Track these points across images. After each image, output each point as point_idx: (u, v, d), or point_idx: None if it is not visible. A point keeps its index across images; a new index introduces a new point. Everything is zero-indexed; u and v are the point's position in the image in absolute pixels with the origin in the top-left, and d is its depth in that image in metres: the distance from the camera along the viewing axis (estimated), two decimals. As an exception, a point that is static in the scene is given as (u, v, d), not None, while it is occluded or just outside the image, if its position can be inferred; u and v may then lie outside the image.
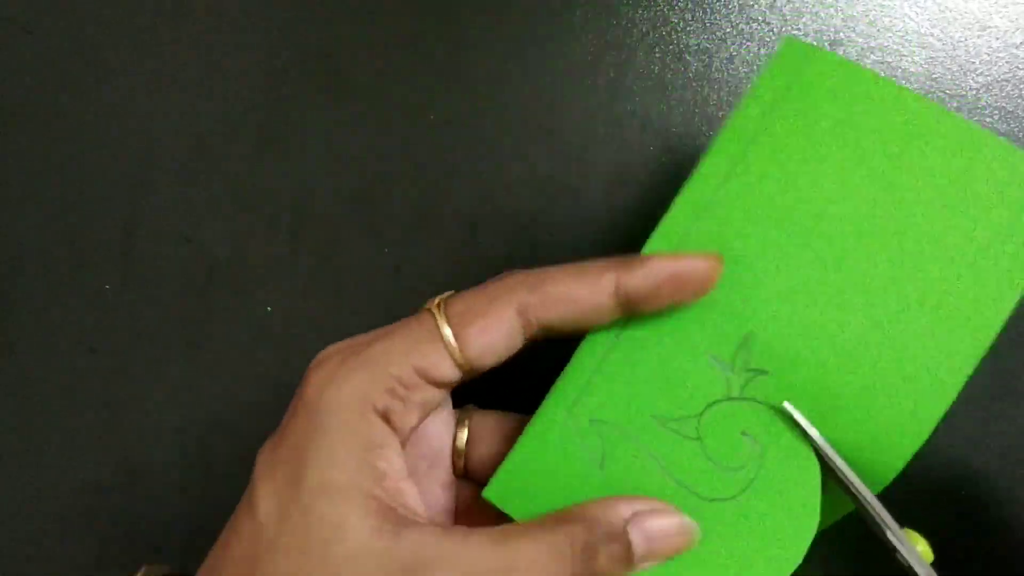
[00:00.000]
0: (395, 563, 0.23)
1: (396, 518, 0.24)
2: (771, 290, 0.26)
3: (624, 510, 0.25)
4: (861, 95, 0.26)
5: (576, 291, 0.26)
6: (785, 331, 0.26)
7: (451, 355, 0.25)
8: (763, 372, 0.26)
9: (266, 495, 0.25)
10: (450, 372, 0.26)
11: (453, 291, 0.27)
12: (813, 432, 0.25)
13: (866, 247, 0.26)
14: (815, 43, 0.36)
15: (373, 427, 0.25)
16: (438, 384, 0.26)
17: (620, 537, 0.24)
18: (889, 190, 0.26)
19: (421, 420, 0.27)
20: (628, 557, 0.24)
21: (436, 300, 0.26)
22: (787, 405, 0.26)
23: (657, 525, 0.25)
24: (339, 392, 0.25)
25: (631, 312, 0.26)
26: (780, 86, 0.27)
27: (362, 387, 0.25)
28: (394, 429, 0.26)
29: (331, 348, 0.26)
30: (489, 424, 0.30)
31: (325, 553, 0.23)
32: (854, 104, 0.26)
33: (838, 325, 0.26)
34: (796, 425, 0.26)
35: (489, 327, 0.26)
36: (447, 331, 0.25)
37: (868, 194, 0.26)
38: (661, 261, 0.26)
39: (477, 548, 0.23)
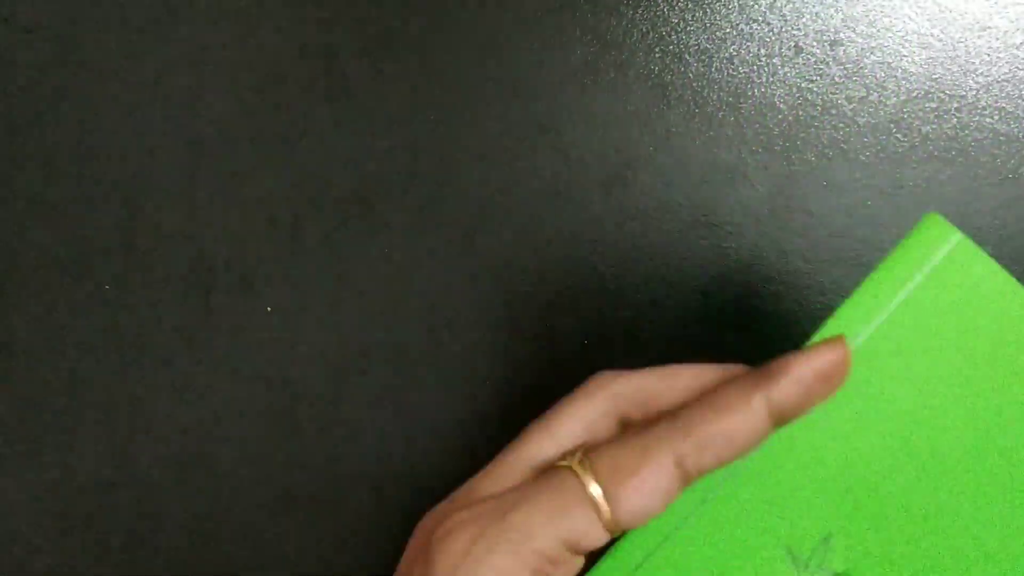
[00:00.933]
0: None
1: None
2: (868, 493, 0.24)
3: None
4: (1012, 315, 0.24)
5: (734, 427, 0.23)
6: (874, 537, 0.24)
7: (602, 520, 0.22)
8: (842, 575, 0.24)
9: None
10: (598, 539, 0.23)
11: (585, 444, 0.24)
12: None
13: (978, 469, 0.24)
14: (815, 43, 0.36)
15: None
16: (584, 553, 0.23)
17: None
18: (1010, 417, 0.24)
19: None
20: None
21: (577, 454, 0.23)
22: None
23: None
24: (480, 568, 0.22)
25: (779, 427, 0.24)
26: (937, 287, 0.24)
27: (506, 570, 0.22)
28: None
29: (456, 513, 0.23)
30: None
31: None
32: (1004, 324, 0.24)
33: (934, 544, 0.24)
34: None
35: (645, 486, 0.22)
36: (596, 492, 0.22)
37: (988, 416, 0.24)
38: (802, 364, 0.23)
39: None
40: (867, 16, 0.36)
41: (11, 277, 0.39)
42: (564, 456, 0.23)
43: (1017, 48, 0.36)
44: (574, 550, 0.22)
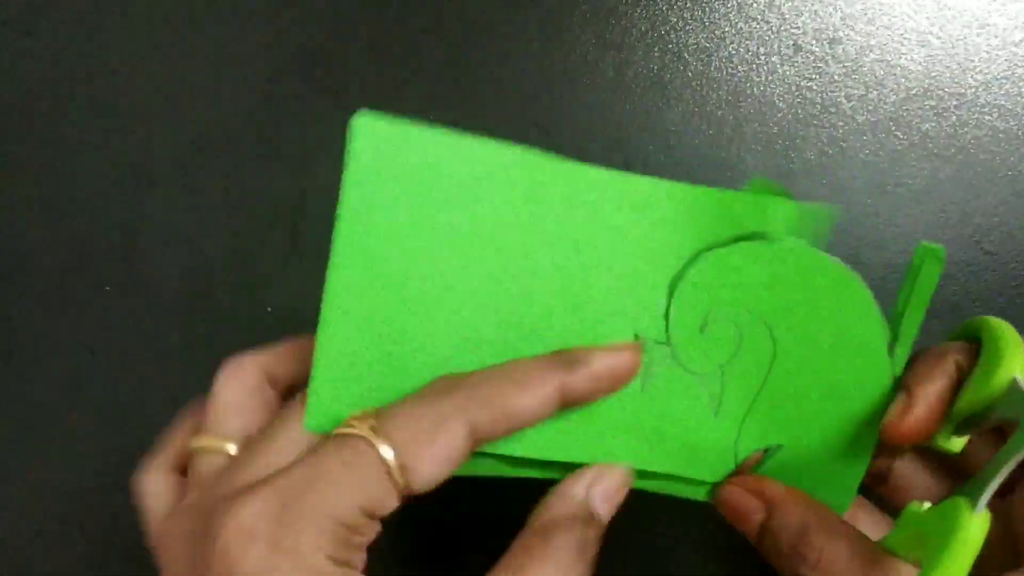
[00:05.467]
0: None
1: None
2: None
3: (578, 488, 0.26)
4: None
5: (528, 404, 0.24)
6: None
7: (396, 488, 0.23)
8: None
9: None
10: (392, 505, 0.23)
11: (376, 410, 0.24)
12: None
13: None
14: (814, 41, 0.36)
15: None
16: (382, 519, 0.23)
17: (592, 518, 0.25)
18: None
19: (365, 563, 0.23)
20: (597, 527, 0.25)
21: (367, 420, 0.23)
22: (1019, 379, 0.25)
23: (612, 484, 0.26)
24: (278, 558, 0.21)
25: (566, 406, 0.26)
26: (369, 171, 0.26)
27: (314, 546, 0.21)
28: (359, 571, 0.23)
29: (246, 502, 0.22)
30: None
31: None
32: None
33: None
34: None
35: (441, 454, 0.23)
36: (392, 462, 0.22)
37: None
38: (602, 360, 0.25)
39: None
40: (866, 14, 0.36)
41: (11, 278, 0.39)
42: (352, 421, 0.23)
43: (1016, 46, 0.36)
44: (371, 516, 0.23)
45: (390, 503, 0.23)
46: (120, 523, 0.38)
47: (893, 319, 0.27)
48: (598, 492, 0.26)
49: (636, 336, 0.27)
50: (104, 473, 0.38)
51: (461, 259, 0.26)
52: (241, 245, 0.38)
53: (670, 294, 0.27)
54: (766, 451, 0.28)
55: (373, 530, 0.23)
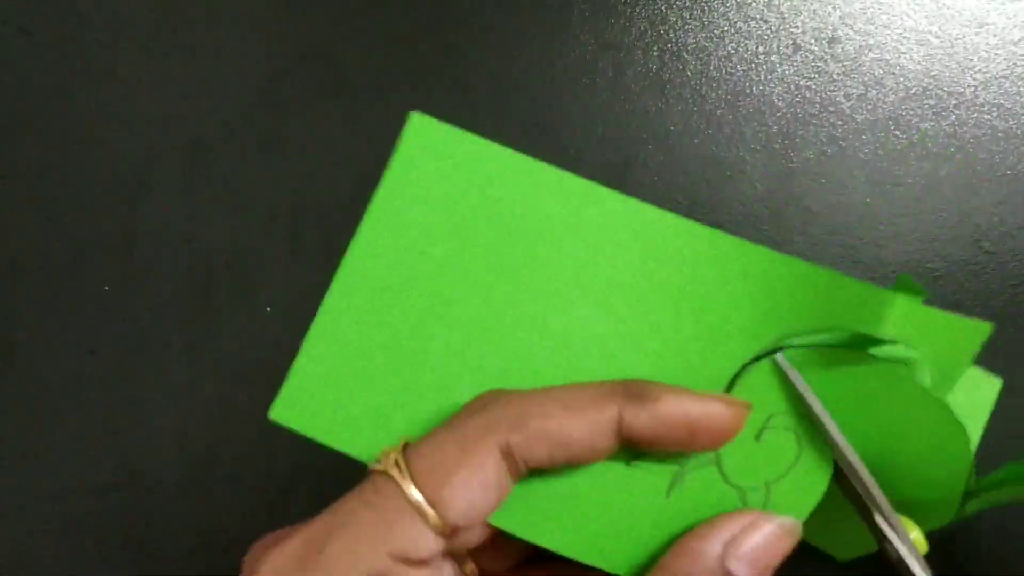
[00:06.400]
0: None
1: None
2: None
3: (713, 545, 0.21)
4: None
5: (571, 429, 0.21)
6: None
7: (430, 525, 0.20)
8: None
9: None
10: (433, 544, 0.20)
11: (406, 439, 0.22)
12: (804, 389, 0.22)
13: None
14: (813, 40, 0.36)
15: None
16: (423, 562, 0.21)
17: None
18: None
19: None
20: None
21: (391, 455, 0.21)
22: (779, 357, 0.22)
23: (756, 542, 0.21)
24: None
25: (632, 447, 0.22)
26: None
27: None
28: None
29: (271, 555, 0.20)
30: None
31: None
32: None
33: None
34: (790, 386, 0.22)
35: (470, 481, 0.20)
36: (417, 497, 0.20)
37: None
38: (672, 403, 0.21)
39: None
40: (865, 13, 0.36)
41: (11, 278, 0.39)
42: (380, 459, 0.21)
43: (1015, 44, 0.36)
44: (408, 562, 0.20)
45: (426, 545, 0.20)
46: (120, 523, 0.38)
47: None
48: (744, 554, 0.21)
49: None
50: (104, 473, 0.38)
51: (486, 273, 0.24)
52: (241, 245, 0.38)
53: (733, 378, 0.23)
54: None
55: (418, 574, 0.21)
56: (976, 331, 0.23)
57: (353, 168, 0.38)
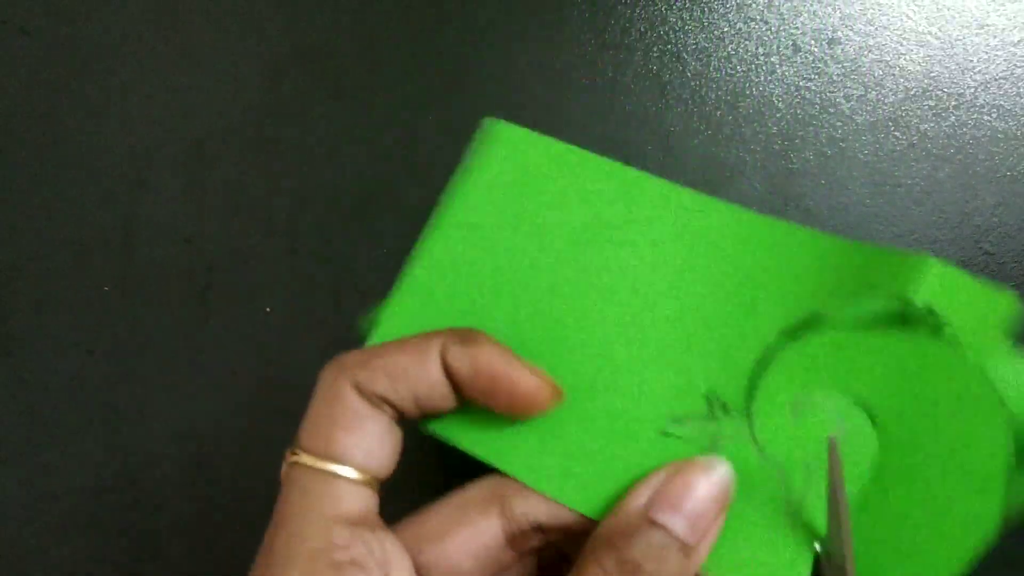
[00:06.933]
0: None
1: None
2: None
3: (638, 501, 0.21)
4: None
5: (402, 361, 0.23)
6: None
7: (346, 480, 0.22)
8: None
9: None
10: (363, 499, 0.23)
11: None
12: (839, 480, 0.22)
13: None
14: (813, 41, 0.36)
15: None
16: (367, 521, 0.23)
17: (651, 531, 0.20)
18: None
19: (370, 554, 0.22)
20: (680, 548, 0.20)
21: (288, 452, 0.24)
22: (833, 438, 0.22)
23: (684, 491, 0.21)
24: None
25: (470, 400, 0.24)
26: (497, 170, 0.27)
27: None
28: None
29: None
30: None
31: None
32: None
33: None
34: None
35: (348, 420, 0.22)
36: (312, 462, 0.22)
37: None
38: (491, 352, 0.23)
39: None
40: (865, 14, 0.36)
41: (11, 277, 0.39)
42: (286, 455, 0.24)
43: (1015, 46, 0.36)
44: (342, 521, 0.22)
45: (351, 498, 0.22)
46: (120, 523, 0.38)
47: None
48: (667, 503, 0.21)
49: (708, 393, 0.23)
50: (104, 473, 0.38)
51: (549, 265, 0.25)
52: (241, 245, 0.38)
53: (764, 359, 0.23)
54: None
55: (356, 539, 0.22)
56: (1006, 301, 0.23)
57: (353, 168, 0.38)
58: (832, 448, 0.22)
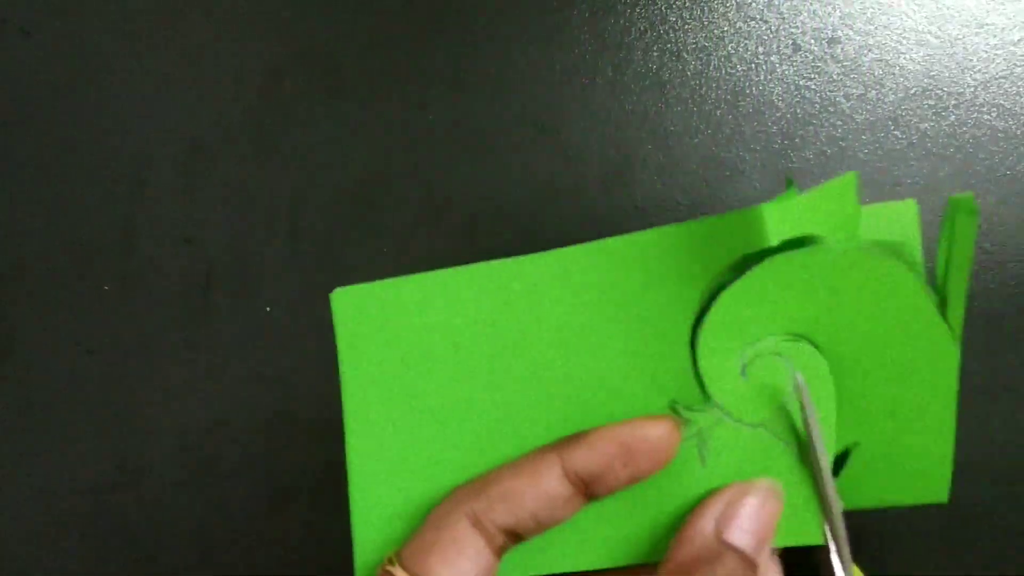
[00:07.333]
0: None
1: None
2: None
3: (706, 523, 0.22)
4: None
5: (520, 484, 0.23)
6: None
7: None
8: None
9: None
10: None
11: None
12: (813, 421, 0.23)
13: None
14: (813, 41, 0.36)
15: None
16: None
17: (726, 555, 0.21)
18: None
19: None
20: (750, 567, 0.21)
21: (387, 554, 0.24)
22: (799, 377, 0.24)
23: (748, 516, 0.22)
24: None
25: (594, 497, 0.24)
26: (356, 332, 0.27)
27: None
28: None
29: None
30: None
31: None
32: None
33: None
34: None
35: (448, 551, 0.22)
36: (399, 573, 0.22)
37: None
38: (605, 432, 0.23)
39: None
40: (864, 14, 0.36)
41: (11, 277, 0.39)
42: (385, 565, 0.23)
43: (1014, 45, 0.36)
44: None
45: None
46: (120, 523, 0.38)
47: (937, 282, 0.25)
48: (737, 524, 0.22)
49: (673, 406, 0.24)
50: (104, 473, 0.38)
51: (462, 378, 0.26)
52: (241, 245, 0.38)
53: (693, 350, 0.24)
54: (846, 453, 0.25)
55: None
56: (905, 209, 0.25)
57: (353, 168, 0.38)
58: (801, 389, 0.24)
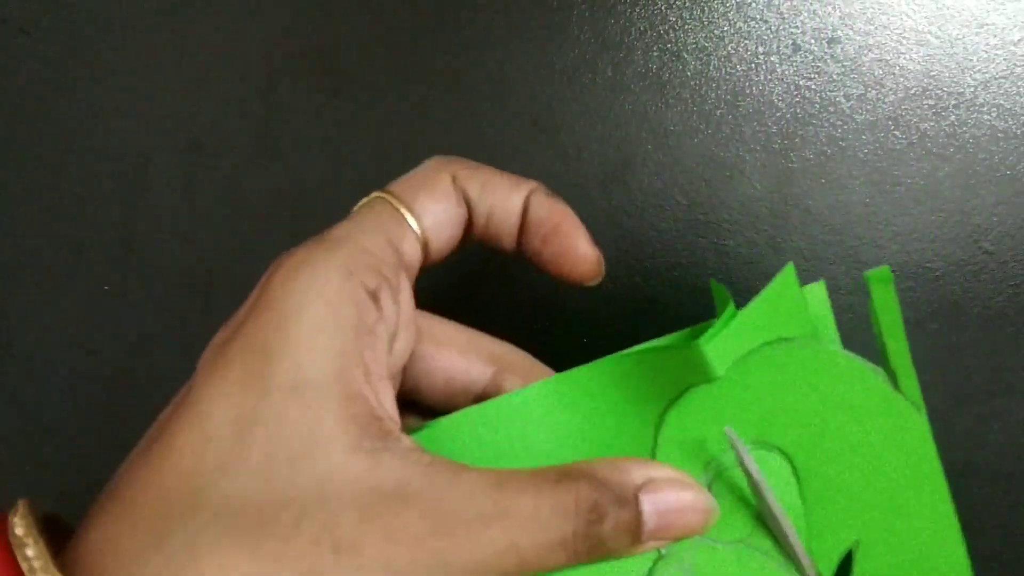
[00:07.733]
0: (373, 494, 0.19)
1: (378, 431, 0.20)
2: None
3: (636, 475, 0.21)
4: None
5: (495, 178, 0.26)
6: None
7: (412, 228, 0.25)
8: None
9: (217, 399, 0.21)
10: (414, 252, 0.25)
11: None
12: (751, 464, 0.23)
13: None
14: (812, 40, 0.36)
15: (365, 309, 0.21)
16: (407, 268, 0.25)
17: (630, 504, 0.21)
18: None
19: (399, 314, 0.24)
20: (636, 529, 0.21)
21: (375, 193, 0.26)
22: (728, 430, 0.24)
23: (672, 498, 0.21)
24: (316, 271, 0.22)
25: (523, 249, 0.27)
26: None
27: (346, 262, 0.22)
28: (383, 317, 0.22)
29: (300, 247, 0.24)
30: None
31: (291, 475, 0.19)
32: None
33: None
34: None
35: (435, 194, 0.25)
36: (399, 205, 0.25)
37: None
38: (568, 211, 0.27)
39: (468, 487, 0.20)
40: (865, 13, 0.36)
41: (11, 277, 0.39)
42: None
43: (1015, 45, 0.36)
44: (398, 252, 0.24)
45: (410, 244, 0.25)
46: (120, 523, 0.38)
47: (880, 358, 0.25)
48: (658, 499, 0.21)
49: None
50: (104, 473, 0.38)
51: None
52: (241, 245, 0.38)
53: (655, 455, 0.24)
54: (850, 554, 0.24)
55: (405, 278, 0.24)
56: (816, 291, 0.25)
57: (353, 168, 0.38)
58: (736, 446, 0.23)
